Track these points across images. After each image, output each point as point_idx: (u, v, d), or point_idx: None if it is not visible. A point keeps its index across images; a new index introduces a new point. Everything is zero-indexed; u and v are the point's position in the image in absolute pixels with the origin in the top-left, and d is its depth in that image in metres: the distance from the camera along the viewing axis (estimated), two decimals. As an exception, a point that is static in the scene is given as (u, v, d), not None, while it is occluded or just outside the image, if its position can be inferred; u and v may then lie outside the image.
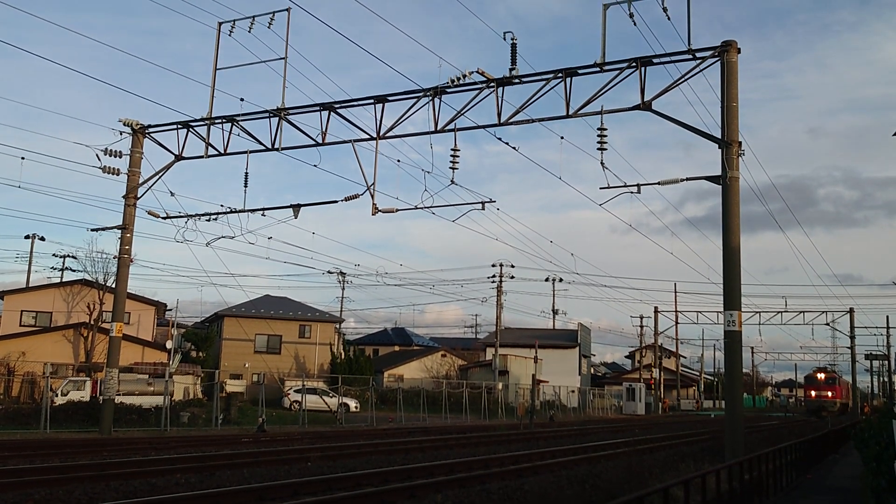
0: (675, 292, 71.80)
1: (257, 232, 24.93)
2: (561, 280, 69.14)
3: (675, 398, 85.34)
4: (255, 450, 19.45)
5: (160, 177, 25.51)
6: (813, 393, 66.83)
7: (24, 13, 58.18)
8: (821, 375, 67.14)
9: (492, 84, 20.12)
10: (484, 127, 20.74)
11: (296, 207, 23.15)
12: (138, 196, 25.77)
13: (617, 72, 18.99)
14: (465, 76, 20.28)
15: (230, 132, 23.43)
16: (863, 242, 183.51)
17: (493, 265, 58.27)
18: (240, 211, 23.85)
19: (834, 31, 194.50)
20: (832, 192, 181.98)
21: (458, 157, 20.25)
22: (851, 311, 65.71)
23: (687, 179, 19.31)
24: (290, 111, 22.51)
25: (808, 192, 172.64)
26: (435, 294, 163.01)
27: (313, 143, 22.50)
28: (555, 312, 76.05)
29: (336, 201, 23.19)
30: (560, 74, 19.51)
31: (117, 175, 25.55)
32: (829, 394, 65.27)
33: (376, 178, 21.46)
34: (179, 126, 24.55)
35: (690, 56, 18.36)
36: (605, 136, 18.80)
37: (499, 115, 20.09)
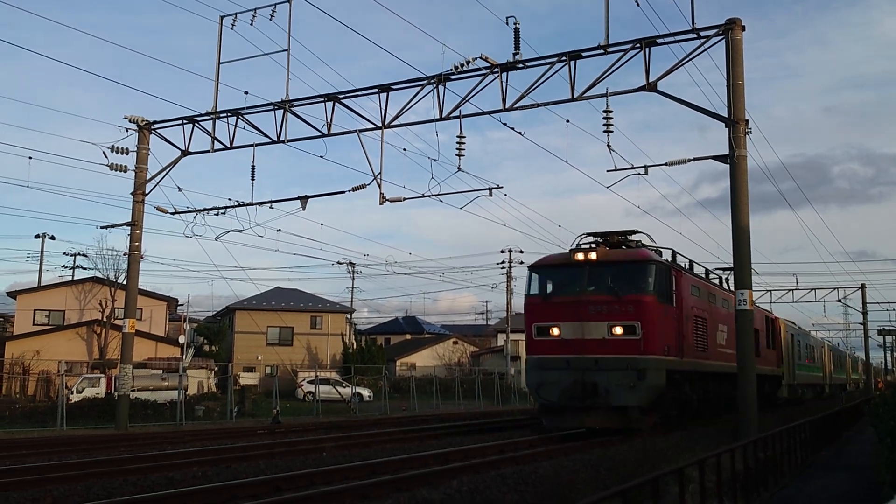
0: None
1: (266, 225, 25.01)
2: (570, 264, 68.81)
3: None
4: (270, 441, 19.57)
5: (167, 172, 25.57)
6: (555, 330, 18.60)
7: (27, 13, 58.27)
8: (580, 256, 18.79)
9: (496, 70, 20.03)
10: (489, 113, 20.67)
11: (303, 199, 23.16)
12: (146, 192, 25.83)
13: (621, 53, 18.86)
14: (468, 62, 20.19)
15: (236, 126, 23.44)
16: (877, 218, 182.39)
17: (502, 251, 58.13)
18: (247, 204, 23.87)
19: (833, 7, 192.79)
20: (847, 170, 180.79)
21: (463, 143, 20.21)
22: (863, 286, 65.20)
23: (694, 160, 19.22)
24: (295, 103, 22.48)
25: (824, 170, 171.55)
26: (445, 282, 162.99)
27: (319, 134, 22.48)
28: (565, 297, 75.77)
29: (343, 192, 23.15)
30: (564, 58, 19.40)
31: (125, 172, 25.63)
32: (619, 328, 17.91)
33: (383, 168, 21.41)
34: (185, 121, 24.57)
35: (695, 35, 18.22)
36: (611, 118, 18.74)
37: (503, 100, 20.01)
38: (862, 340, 69.69)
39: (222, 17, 23.26)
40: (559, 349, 18.68)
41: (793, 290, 58.02)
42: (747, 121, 18.07)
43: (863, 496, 11.54)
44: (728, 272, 28.46)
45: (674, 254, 21.17)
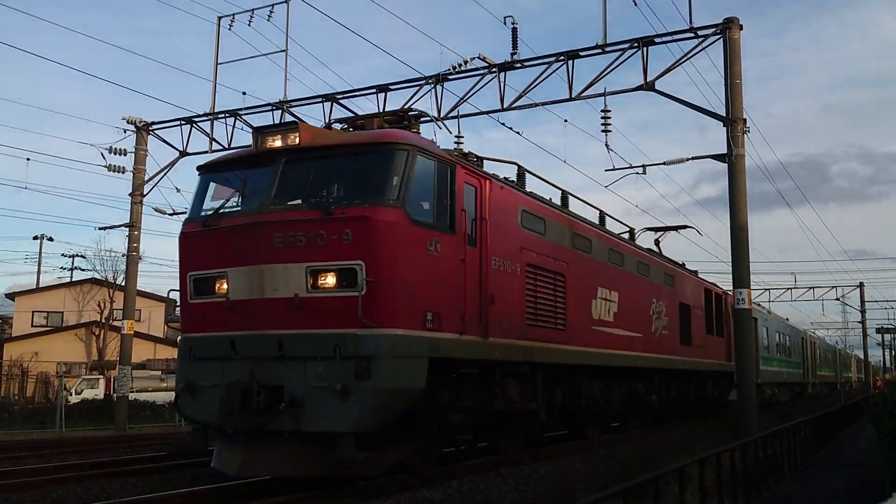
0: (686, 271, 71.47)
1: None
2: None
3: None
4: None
5: (165, 173, 25.53)
6: (223, 285, 10.11)
7: (25, 14, 58.26)
8: (275, 142, 10.35)
9: (494, 69, 20.02)
10: (487, 113, 20.67)
11: (302, 199, 23.11)
12: (144, 193, 25.80)
13: (619, 53, 18.85)
14: (466, 62, 20.19)
15: (234, 126, 23.39)
16: (876, 217, 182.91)
17: (501, 251, 57.92)
18: (246, 205, 23.80)
19: (829, 6, 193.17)
20: (846, 169, 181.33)
21: (462, 144, 20.19)
22: (861, 284, 65.27)
23: (692, 159, 19.27)
24: (293, 103, 22.46)
25: (823, 169, 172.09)
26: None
27: (317, 134, 22.44)
28: (563, 296, 75.65)
29: (342, 192, 23.12)
30: (562, 57, 19.39)
31: (123, 173, 25.63)
32: (328, 277, 9.40)
33: (381, 168, 21.36)
34: (183, 122, 24.53)
35: (692, 34, 18.22)
36: (610, 117, 18.74)
37: (501, 100, 19.99)
38: (861, 339, 69.86)
39: (220, 18, 23.24)
40: (224, 321, 10.10)
41: (791, 288, 58.14)
42: (745, 120, 18.08)
43: (863, 495, 11.54)
44: (661, 232, 25.18)
45: (521, 171, 13.94)
